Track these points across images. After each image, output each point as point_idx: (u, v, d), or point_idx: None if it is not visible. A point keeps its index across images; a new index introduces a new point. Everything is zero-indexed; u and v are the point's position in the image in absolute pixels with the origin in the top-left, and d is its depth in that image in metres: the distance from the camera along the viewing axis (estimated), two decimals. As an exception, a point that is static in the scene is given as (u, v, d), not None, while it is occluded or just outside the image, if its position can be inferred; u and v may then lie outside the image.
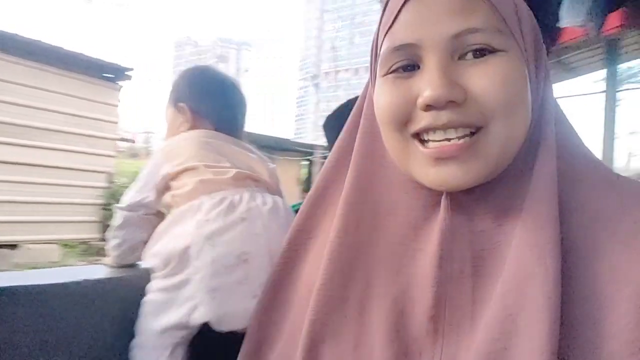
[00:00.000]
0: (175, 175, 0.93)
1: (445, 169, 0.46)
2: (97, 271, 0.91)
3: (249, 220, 0.84)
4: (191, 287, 0.79)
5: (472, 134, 0.46)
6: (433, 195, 0.51)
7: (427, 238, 0.51)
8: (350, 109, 0.89)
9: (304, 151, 14.13)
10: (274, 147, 13.93)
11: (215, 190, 0.88)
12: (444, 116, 0.45)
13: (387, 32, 0.50)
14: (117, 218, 0.95)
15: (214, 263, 0.79)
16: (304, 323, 0.54)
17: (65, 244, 6.66)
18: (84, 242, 6.94)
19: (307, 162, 15.37)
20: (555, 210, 0.44)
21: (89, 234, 6.82)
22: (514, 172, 0.48)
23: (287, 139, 14.61)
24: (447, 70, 0.46)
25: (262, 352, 0.60)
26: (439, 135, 0.46)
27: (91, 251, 6.82)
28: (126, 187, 1.15)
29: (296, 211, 0.95)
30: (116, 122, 7.18)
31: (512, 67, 0.46)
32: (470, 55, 0.46)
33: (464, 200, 0.49)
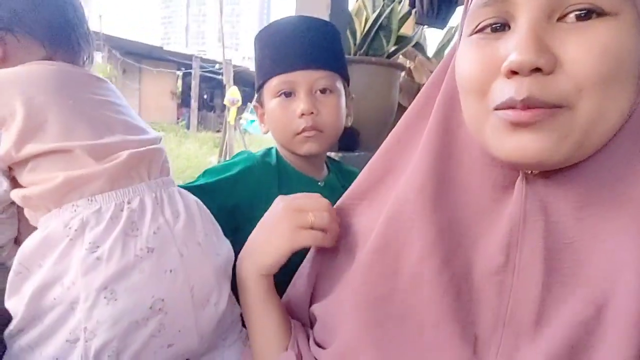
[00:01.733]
0: (23, 163, 0.57)
1: (522, 137, 0.40)
2: None
3: (158, 251, 0.56)
4: (82, 352, 0.52)
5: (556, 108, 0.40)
6: (507, 176, 0.46)
7: (494, 224, 0.46)
8: (277, 29, 0.80)
9: (178, 62, 12.84)
10: (143, 55, 12.36)
11: (100, 190, 0.56)
12: (525, 89, 0.39)
13: None
14: None
15: (117, 323, 0.53)
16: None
17: None
18: None
19: (181, 74, 14.13)
20: None
21: None
22: (606, 157, 0.43)
23: (159, 47, 12.96)
24: (541, 32, 0.39)
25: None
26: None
27: None
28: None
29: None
30: None
31: (620, 34, 0.39)
32: (572, 17, 0.39)
33: (541, 184, 0.44)
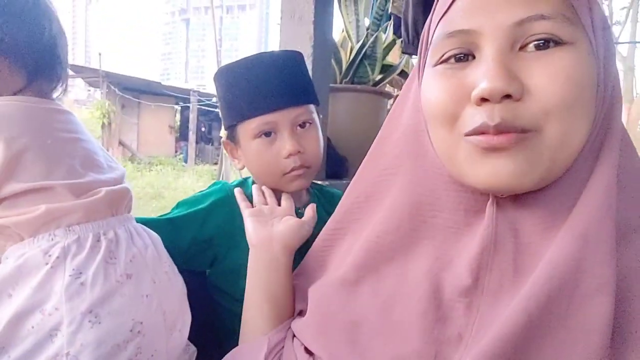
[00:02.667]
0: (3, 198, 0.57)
1: (496, 163, 0.42)
2: None
3: (135, 277, 0.59)
4: None
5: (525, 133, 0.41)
6: (478, 200, 0.47)
7: (467, 246, 0.47)
8: (247, 68, 0.78)
9: (176, 96, 13.03)
10: (142, 90, 12.57)
11: (77, 221, 0.58)
12: (497, 115, 0.40)
13: (441, 18, 0.46)
14: None
15: (100, 346, 0.54)
16: None
17: None
18: None
19: (180, 108, 14.33)
20: (611, 229, 0.40)
21: None
22: (569, 179, 0.44)
23: (157, 82, 13.20)
24: (506, 61, 0.41)
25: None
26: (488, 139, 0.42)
27: None
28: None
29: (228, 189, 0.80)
30: None
31: (579, 62, 0.41)
32: (532, 47, 0.41)
33: (511, 207, 0.45)
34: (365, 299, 0.52)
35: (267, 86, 0.76)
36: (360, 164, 0.63)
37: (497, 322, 0.42)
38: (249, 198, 0.81)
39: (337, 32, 1.64)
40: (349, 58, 1.52)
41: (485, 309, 0.44)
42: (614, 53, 0.45)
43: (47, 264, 0.54)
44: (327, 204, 0.88)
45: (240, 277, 0.79)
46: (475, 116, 0.41)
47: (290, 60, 0.80)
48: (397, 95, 1.92)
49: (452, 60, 0.45)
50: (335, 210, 0.62)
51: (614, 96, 0.44)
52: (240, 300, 0.79)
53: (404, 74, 1.65)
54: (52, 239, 0.56)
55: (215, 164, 10.92)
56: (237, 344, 0.64)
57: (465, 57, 0.44)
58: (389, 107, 1.68)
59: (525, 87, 0.40)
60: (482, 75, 0.41)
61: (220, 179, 7.04)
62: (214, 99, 12.48)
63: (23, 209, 0.57)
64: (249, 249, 0.72)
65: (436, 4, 0.49)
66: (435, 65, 0.46)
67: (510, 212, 0.45)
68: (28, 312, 0.53)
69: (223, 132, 0.88)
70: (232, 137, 0.84)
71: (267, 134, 0.77)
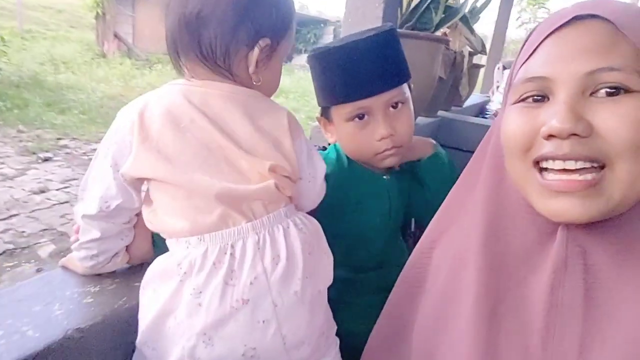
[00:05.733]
0: (135, 181, 0.61)
1: (563, 203, 0.47)
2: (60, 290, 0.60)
3: (253, 302, 0.57)
4: None
5: (595, 169, 0.46)
6: (550, 224, 0.52)
7: (540, 264, 0.53)
8: (341, 53, 0.78)
9: None
10: None
11: (202, 231, 0.58)
12: (565, 147, 0.46)
13: (523, 64, 0.52)
14: (87, 230, 0.62)
15: None
16: None
17: None
18: None
19: None
20: None
21: None
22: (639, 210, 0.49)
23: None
24: (576, 105, 0.46)
25: None
26: (558, 165, 0.47)
27: None
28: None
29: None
30: None
31: None
32: (603, 93, 0.46)
33: (582, 232, 0.51)
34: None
35: (361, 73, 0.78)
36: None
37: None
38: (345, 170, 0.86)
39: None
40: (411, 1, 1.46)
41: (563, 324, 0.51)
42: None
43: (178, 275, 0.57)
44: (407, 166, 0.93)
45: (355, 248, 0.87)
46: (545, 146, 0.48)
47: (384, 42, 0.80)
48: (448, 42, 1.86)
49: (530, 100, 0.50)
50: (429, 227, 0.68)
51: None
52: (353, 269, 0.88)
53: (464, 20, 1.59)
54: (187, 248, 0.58)
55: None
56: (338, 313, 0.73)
57: (541, 98, 0.50)
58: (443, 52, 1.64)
59: (595, 129, 0.45)
60: (552, 115, 0.46)
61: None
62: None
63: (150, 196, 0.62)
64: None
65: (520, 50, 0.54)
66: (514, 103, 0.52)
67: (581, 237, 0.51)
68: (168, 313, 0.57)
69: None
70: (325, 114, 0.87)
71: (361, 116, 0.80)
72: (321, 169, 0.72)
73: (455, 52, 1.79)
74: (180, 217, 0.59)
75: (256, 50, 0.61)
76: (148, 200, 0.63)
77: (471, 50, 1.92)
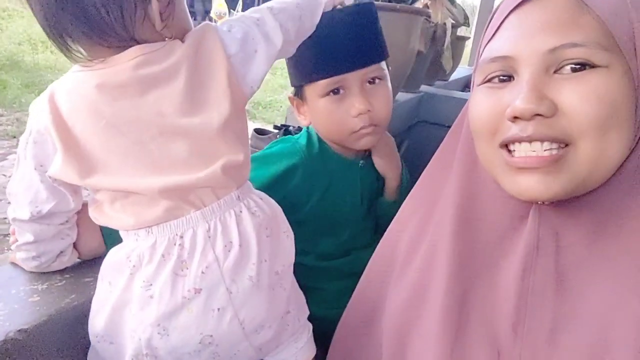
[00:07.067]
0: (66, 184, 0.56)
1: (528, 179, 0.47)
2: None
3: (205, 292, 0.56)
4: None
5: (561, 148, 0.46)
6: (522, 207, 0.52)
7: (512, 248, 0.53)
8: (326, 24, 0.72)
9: None
10: None
11: (149, 224, 0.55)
12: (529, 128, 0.45)
13: (487, 43, 0.52)
14: (20, 233, 0.59)
15: (172, 352, 0.57)
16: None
17: None
18: None
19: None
20: None
21: None
22: (617, 190, 0.48)
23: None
24: (539, 84, 0.46)
25: None
26: (524, 148, 0.47)
27: None
28: None
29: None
30: None
31: (611, 83, 0.44)
32: (567, 69, 0.45)
33: (554, 213, 0.50)
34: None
35: (337, 47, 0.73)
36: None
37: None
38: (316, 156, 0.83)
39: None
40: (388, -31, 1.39)
41: (534, 306, 0.50)
42: None
43: (129, 268, 0.55)
44: None
45: (322, 235, 0.85)
46: (511, 128, 0.47)
47: (362, 16, 0.76)
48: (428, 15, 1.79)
49: (496, 80, 0.50)
50: (401, 208, 0.67)
51: None
52: (321, 257, 0.86)
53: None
54: (137, 240, 0.56)
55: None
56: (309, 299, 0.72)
57: (507, 78, 0.49)
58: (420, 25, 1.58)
59: (559, 107, 0.45)
60: (515, 96, 0.46)
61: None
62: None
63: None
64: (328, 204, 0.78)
65: (485, 30, 0.54)
66: (480, 84, 0.52)
67: (553, 218, 0.51)
68: (123, 306, 0.56)
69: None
70: (298, 94, 0.82)
71: (336, 91, 0.76)
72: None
73: (435, 25, 1.73)
74: (124, 213, 0.55)
75: (154, 2, 0.52)
76: (91, 197, 0.59)
77: (454, 22, 1.86)
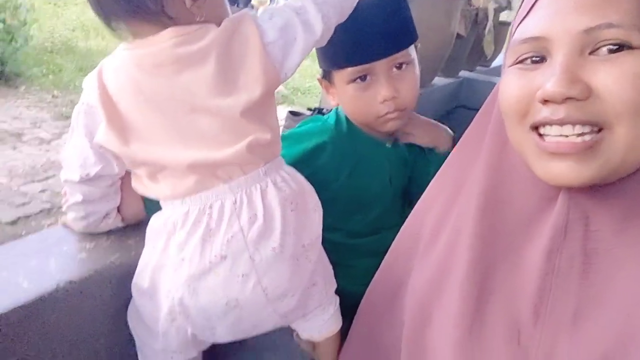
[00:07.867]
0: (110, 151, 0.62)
1: (560, 165, 0.45)
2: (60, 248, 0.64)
3: (230, 259, 0.60)
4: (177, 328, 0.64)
5: (594, 132, 0.44)
6: (552, 189, 0.51)
7: (538, 231, 0.52)
8: (355, 12, 0.71)
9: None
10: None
11: (183, 195, 0.60)
12: (561, 111, 0.44)
13: (520, 23, 0.49)
14: (71, 193, 0.65)
15: (200, 313, 0.62)
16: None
17: None
18: None
19: None
20: None
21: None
22: None
23: None
24: (573, 66, 0.44)
25: None
26: (555, 131, 0.45)
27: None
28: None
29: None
30: None
31: None
32: (604, 51, 0.43)
33: (583, 197, 0.49)
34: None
35: (364, 35, 0.73)
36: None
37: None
38: (344, 136, 0.84)
39: None
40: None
41: (558, 289, 0.50)
42: None
43: (165, 232, 0.61)
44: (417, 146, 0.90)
45: (351, 213, 0.87)
46: (542, 111, 0.46)
47: (390, 1, 0.75)
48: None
49: (528, 61, 0.48)
50: (428, 189, 0.67)
51: None
52: (350, 234, 0.88)
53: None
54: (173, 208, 0.61)
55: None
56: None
57: (540, 59, 0.47)
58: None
59: (594, 90, 0.43)
60: (547, 78, 0.44)
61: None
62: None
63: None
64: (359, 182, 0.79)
65: (519, 9, 0.52)
66: (511, 65, 0.50)
67: (583, 201, 0.49)
68: (161, 267, 0.61)
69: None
70: (327, 77, 0.84)
71: (363, 78, 0.77)
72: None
73: (477, 9, 1.69)
74: (160, 184, 0.61)
75: None
76: (133, 172, 0.64)
77: (496, 6, 1.80)
